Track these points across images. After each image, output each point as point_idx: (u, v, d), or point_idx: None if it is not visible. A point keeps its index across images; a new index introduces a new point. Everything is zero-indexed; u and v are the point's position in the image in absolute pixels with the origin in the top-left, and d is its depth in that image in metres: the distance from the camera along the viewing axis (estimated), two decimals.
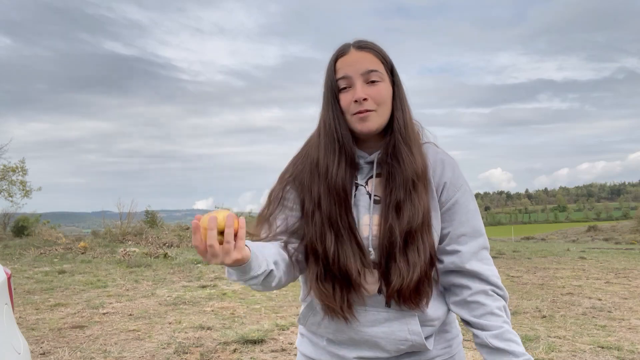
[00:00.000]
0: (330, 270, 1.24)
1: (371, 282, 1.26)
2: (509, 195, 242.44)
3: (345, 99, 1.26)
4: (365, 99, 1.23)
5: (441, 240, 1.29)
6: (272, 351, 4.50)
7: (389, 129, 1.28)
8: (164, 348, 4.63)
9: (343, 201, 1.26)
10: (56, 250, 13.85)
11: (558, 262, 11.70)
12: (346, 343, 1.32)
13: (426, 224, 1.24)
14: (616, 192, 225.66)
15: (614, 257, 13.19)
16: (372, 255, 1.25)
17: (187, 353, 4.45)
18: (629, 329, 5.28)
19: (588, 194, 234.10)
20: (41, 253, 13.30)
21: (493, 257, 12.52)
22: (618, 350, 4.46)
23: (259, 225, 1.33)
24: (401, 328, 1.26)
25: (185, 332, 5.16)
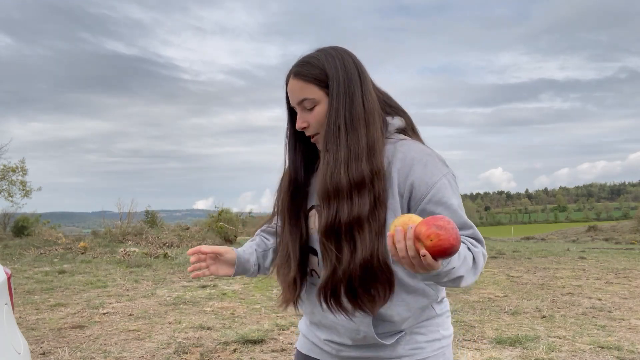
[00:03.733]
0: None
1: None
2: (509, 195, 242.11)
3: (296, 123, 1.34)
4: (305, 127, 1.30)
5: None
6: (272, 351, 4.50)
7: None
8: (164, 348, 4.63)
9: (293, 193, 1.38)
10: (56, 250, 13.86)
11: (558, 262, 11.69)
12: (318, 325, 1.39)
13: (356, 228, 1.18)
14: (616, 192, 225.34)
15: (614, 257, 13.18)
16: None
17: (187, 353, 4.46)
18: (629, 329, 5.28)
19: (588, 194, 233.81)
20: (41, 253, 13.31)
21: (493, 257, 12.41)
22: (618, 350, 4.46)
23: (270, 219, 1.51)
24: (353, 319, 1.28)
25: (185, 332, 5.16)
